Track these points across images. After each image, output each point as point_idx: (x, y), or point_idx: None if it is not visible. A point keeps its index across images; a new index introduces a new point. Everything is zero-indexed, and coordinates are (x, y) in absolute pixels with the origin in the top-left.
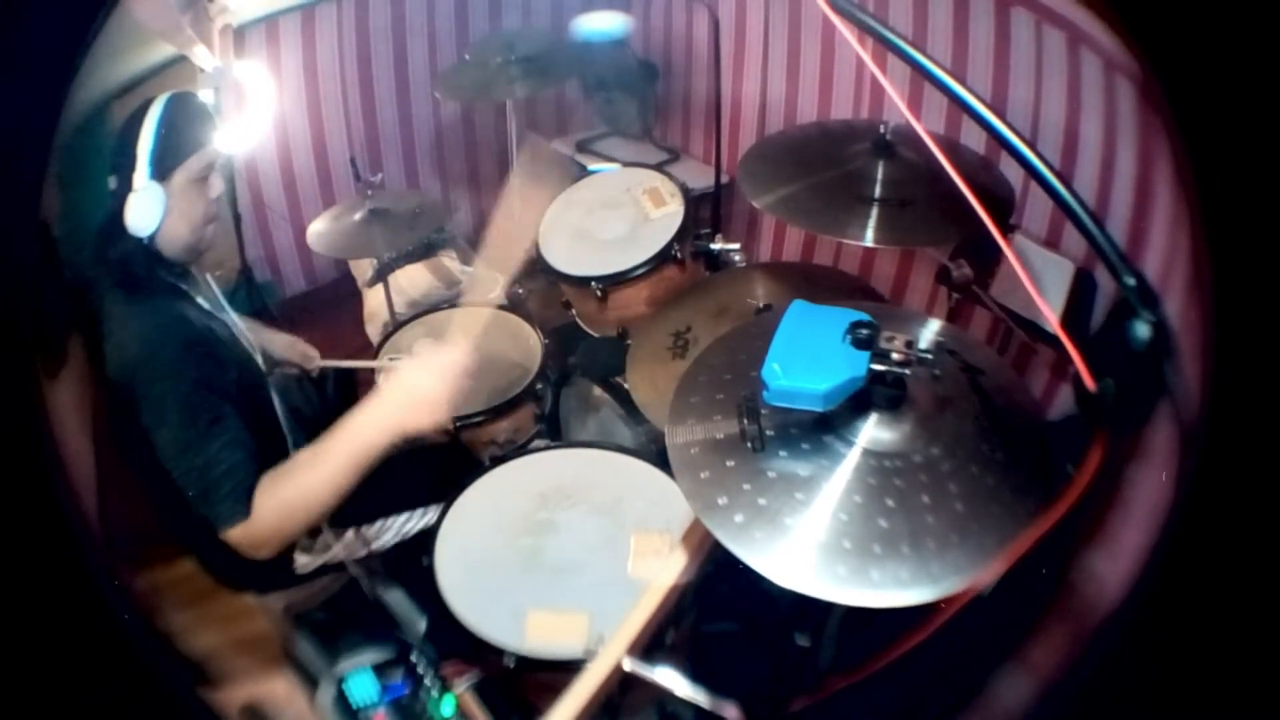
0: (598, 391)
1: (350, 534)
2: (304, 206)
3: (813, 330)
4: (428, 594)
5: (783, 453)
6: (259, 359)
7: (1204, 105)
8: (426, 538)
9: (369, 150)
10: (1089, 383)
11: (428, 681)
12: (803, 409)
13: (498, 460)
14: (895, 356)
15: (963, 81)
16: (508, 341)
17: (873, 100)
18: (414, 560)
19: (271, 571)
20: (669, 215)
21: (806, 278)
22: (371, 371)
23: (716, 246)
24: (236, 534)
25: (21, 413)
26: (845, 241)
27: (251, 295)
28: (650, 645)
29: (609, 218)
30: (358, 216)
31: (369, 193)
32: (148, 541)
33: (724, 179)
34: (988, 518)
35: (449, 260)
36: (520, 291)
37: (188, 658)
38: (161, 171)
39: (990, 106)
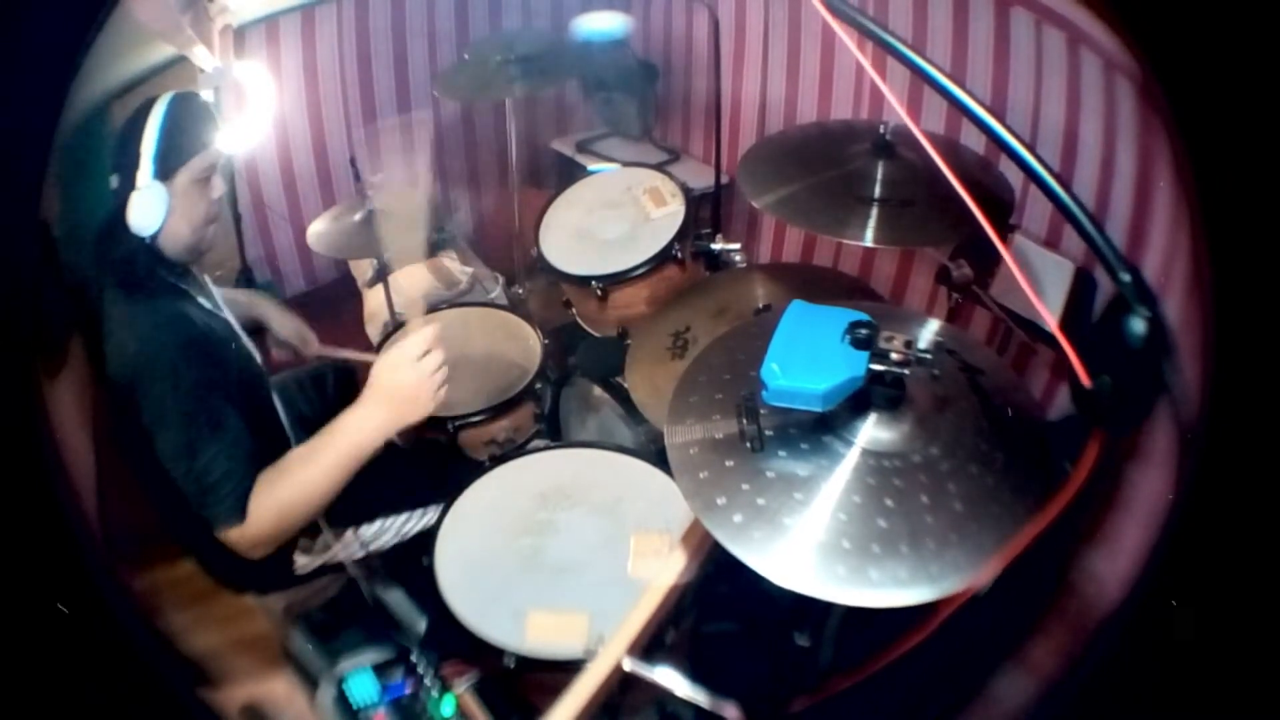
0: (598, 391)
1: (349, 534)
2: (304, 206)
3: (812, 330)
4: (428, 594)
5: (782, 453)
6: (258, 357)
7: (1204, 105)
8: (426, 538)
9: (369, 149)
10: (1085, 380)
11: (428, 681)
12: (802, 409)
13: (498, 460)
14: (894, 356)
15: (961, 83)
16: (508, 341)
17: (873, 100)
18: (414, 560)
19: (271, 572)
20: (670, 215)
21: (806, 278)
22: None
23: (717, 246)
24: (234, 535)
25: (21, 413)
26: (845, 241)
27: (245, 323)
28: (650, 645)
29: (609, 217)
30: (358, 216)
31: (369, 193)
32: (148, 541)
33: (724, 179)
34: (987, 517)
35: (449, 260)
36: (520, 291)
37: (188, 658)
38: (165, 171)
39: (989, 108)
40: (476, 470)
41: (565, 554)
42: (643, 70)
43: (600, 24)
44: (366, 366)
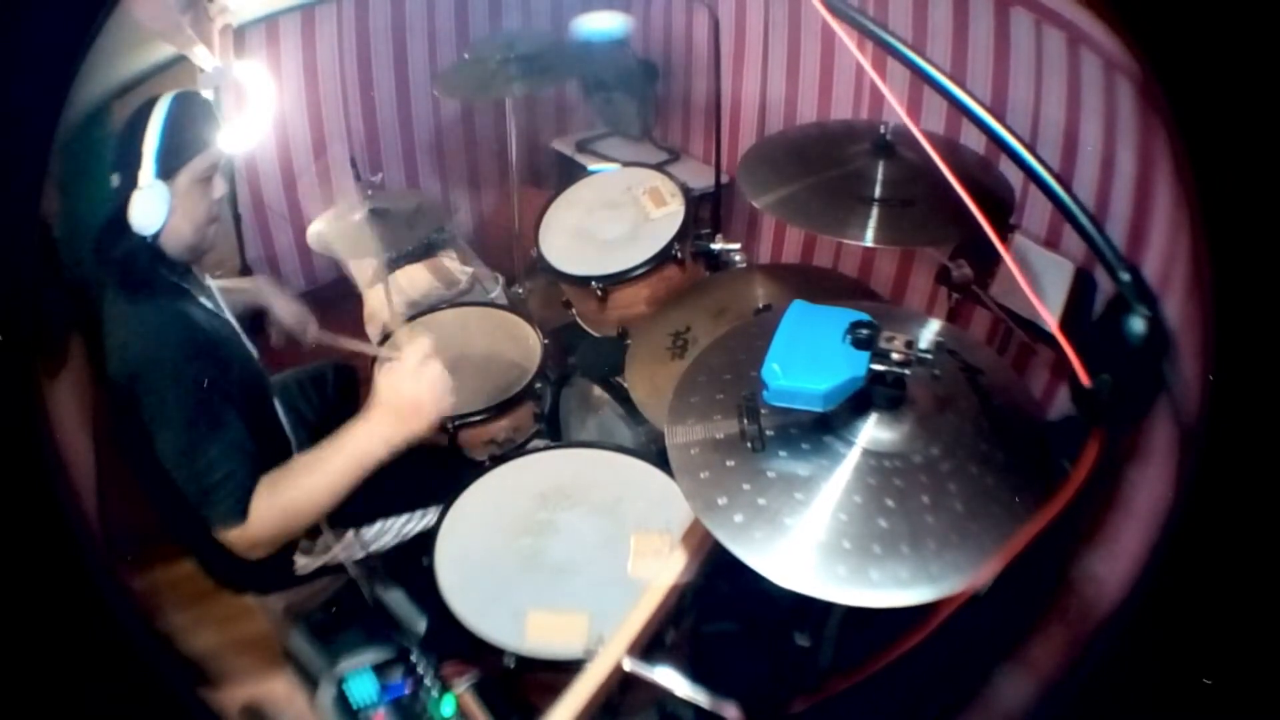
0: (598, 391)
1: (350, 535)
2: (304, 206)
3: (813, 330)
4: (428, 594)
5: (782, 453)
6: (258, 357)
7: (1204, 105)
8: (426, 538)
9: (369, 150)
10: (1084, 379)
11: (428, 681)
12: (802, 409)
13: (497, 460)
14: (895, 356)
15: (961, 83)
16: (508, 341)
17: (873, 100)
18: (414, 561)
19: (272, 572)
20: (670, 215)
21: (806, 278)
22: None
23: (717, 246)
24: (234, 535)
25: (21, 413)
26: (845, 242)
27: (246, 309)
28: (650, 645)
29: (609, 217)
30: (358, 216)
31: (369, 192)
32: (148, 541)
33: (724, 179)
34: (987, 518)
35: (449, 260)
36: (520, 291)
37: (188, 658)
38: (167, 170)
39: (989, 108)
40: (476, 470)
41: (565, 554)
42: (643, 70)
43: (600, 24)
44: (366, 366)
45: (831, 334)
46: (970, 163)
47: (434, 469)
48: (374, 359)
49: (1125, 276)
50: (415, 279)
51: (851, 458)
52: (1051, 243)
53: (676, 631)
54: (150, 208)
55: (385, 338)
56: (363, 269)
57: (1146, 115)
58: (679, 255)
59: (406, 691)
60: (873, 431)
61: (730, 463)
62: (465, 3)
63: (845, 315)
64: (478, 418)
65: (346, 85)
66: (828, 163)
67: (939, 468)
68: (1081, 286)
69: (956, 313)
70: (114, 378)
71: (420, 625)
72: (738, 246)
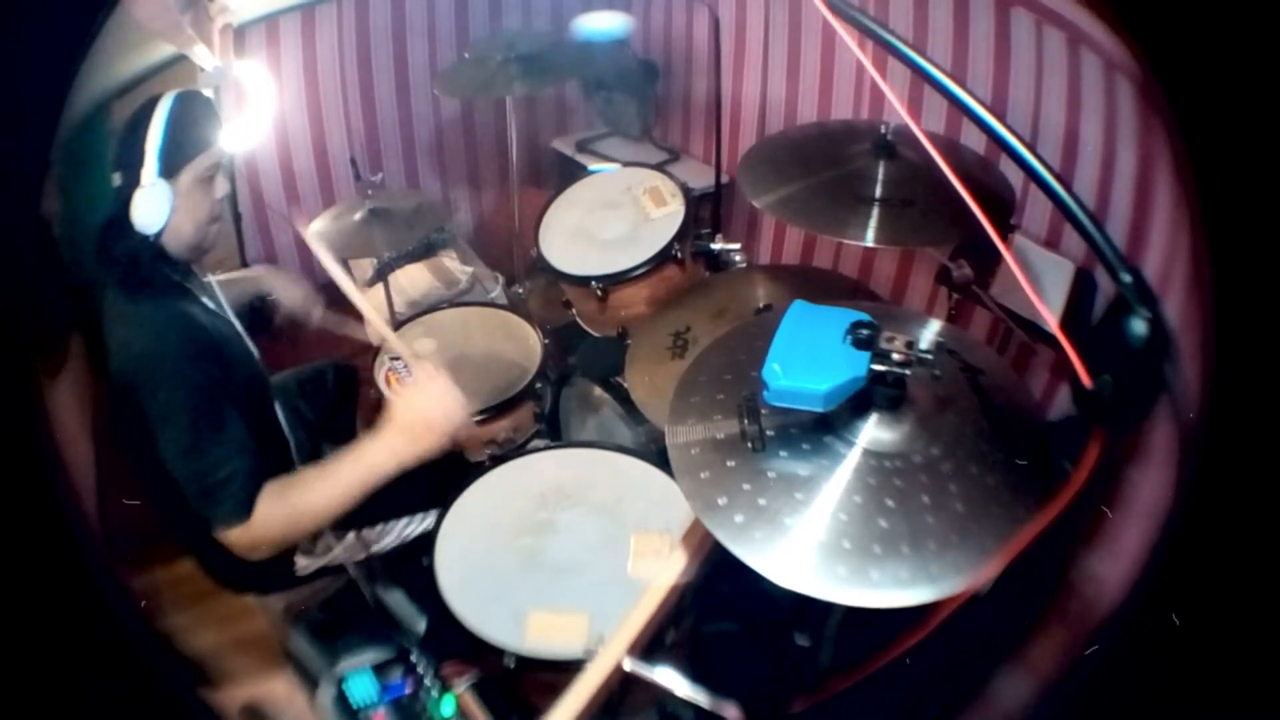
0: (598, 391)
1: (351, 537)
2: (304, 205)
3: (813, 330)
4: (428, 594)
5: (783, 453)
6: (258, 356)
7: (1204, 105)
8: (427, 539)
9: (369, 150)
10: (1085, 380)
11: (428, 681)
12: (803, 409)
13: (498, 460)
14: (896, 357)
15: (962, 82)
16: (508, 341)
17: (873, 100)
18: (414, 561)
19: (272, 573)
20: (670, 215)
21: (806, 278)
22: (371, 366)
23: (717, 246)
24: (235, 535)
25: (21, 413)
26: (845, 242)
27: (250, 299)
28: (650, 645)
29: (609, 217)
30: (358, 216)
31: (369, 192)
32: (148, 541)
33: (724, 179)
34: (988, 518)
35: (449, 260)
36: (520, 291)
37: (188, 658)
38: (170, 169)
39: (989, 108)
40: (476, 470)
41: (565, 554)
42: (643, 70)
43: (601, 23)
44: (366, 365)
45: (832, 334)
46: (970, 163)
47: (435, 472)
48: (375, 356)
49: (1127, 278)
50: (415, 279)
51: (852, 458)
52: (1051, 243)
53: (676, 631)
54: (153, 206)
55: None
56: (363, 269)
57: (1146, 115)
58: (679, 255)
59: (406, 691)
60: (873, 432)
61: (731, 463)
62: (465, 2)
63: (846, 315)
64: (478, 418)
65: (346, 85)
66: (828, 163)
67: (939, 468)
68: (1081, 287)
69: (956, 313)
70: (115, 377)
71: (420, 625)
72: (738, 246)
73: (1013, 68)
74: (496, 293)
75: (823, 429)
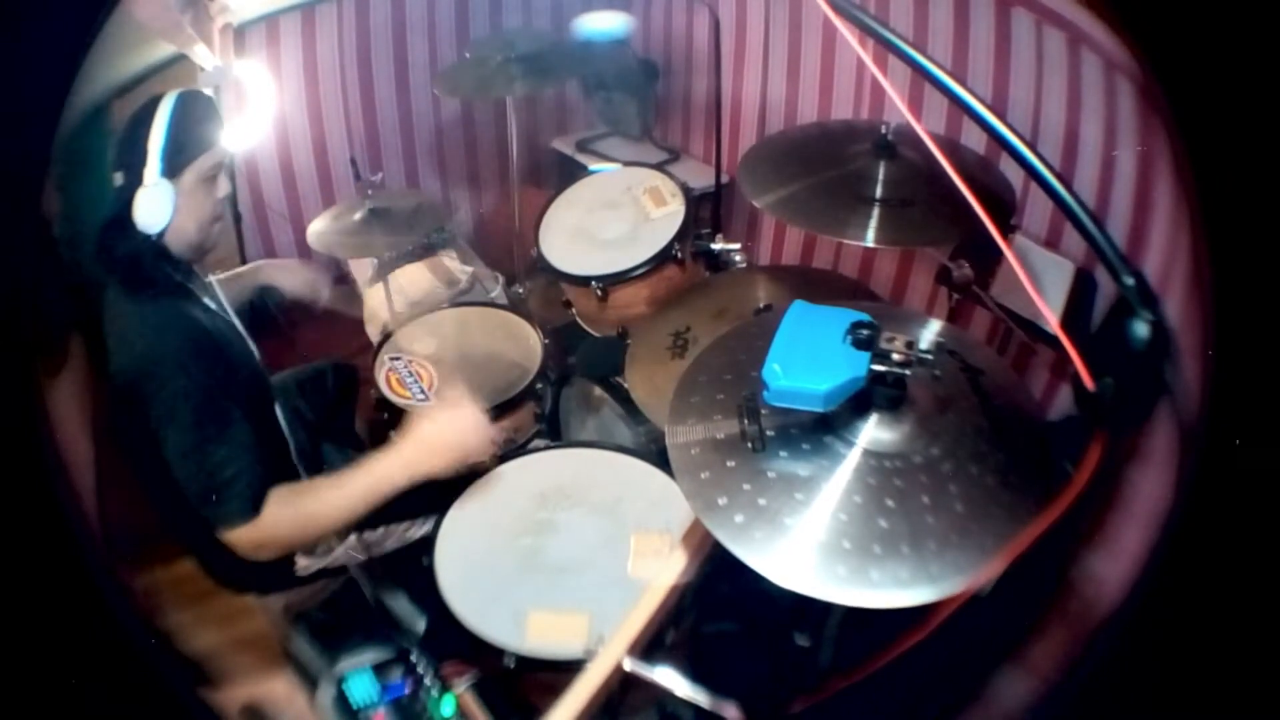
0: (598, 391)
1: (352, 538)
2: (304, 206)
3: (813, 330)
4: (428, 594)
5: (783, 453)
6: (259, 356)
7: (1204, 105)
8: (427, 540)
9: (369, 150)
10: (1088, 382)
11: (428, 681)
12: (803, 409)
13: (498, 460)
14: (896, 357)
15: (963, 82)
16: (508, 341)
17: (873, 100)
18: (414, 561)
19: (272, 573)
20: (670, 215)
21: (806, 278)
22: (371, 363)
23: (717, 246)
24: (241, 534)
25: (21, 413)
26: (845, 242)
27: (251, 294)
28: (650, 645)
29: (609, 217)
30: (358, 216)
31: (369, 192)
32: (148, 541)
33: (724, 179)
34: (987, 518)
35: (449, 260)
36: (520, 291)
37: (188, 658)
38: (172, 168)
39: (990, 107)
40: (476, 470)
41: (565, 554)
42: (643, 70)
43: (601, 23)
44: (366, 365)
45: (832, 334)
46: (971, 163)
47: (439, 479)
48: (375, 356)
49: (1129, 281)
50: (415, 278)
51: (852, 458)
52: (1051, 243)
53: (676, 631)
54: (155, 206)
55: (386, 337)
56: (363, 268)
57: (1146, 115)
58: (679, 255)
59: (406, 691)
60: (873, 432)
61: (731, 463)
62: (465, 2)
63: (846, 315)
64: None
65: (346, 85)
66: (828, 163)
67: (939, 468)
68: (1081, 287)
69: (956, 313)
70: (117, 377)
71: (420, 625)
72: (738, 246)
73: (1013, 68)
74: (496, 293)
75: (823, 429)
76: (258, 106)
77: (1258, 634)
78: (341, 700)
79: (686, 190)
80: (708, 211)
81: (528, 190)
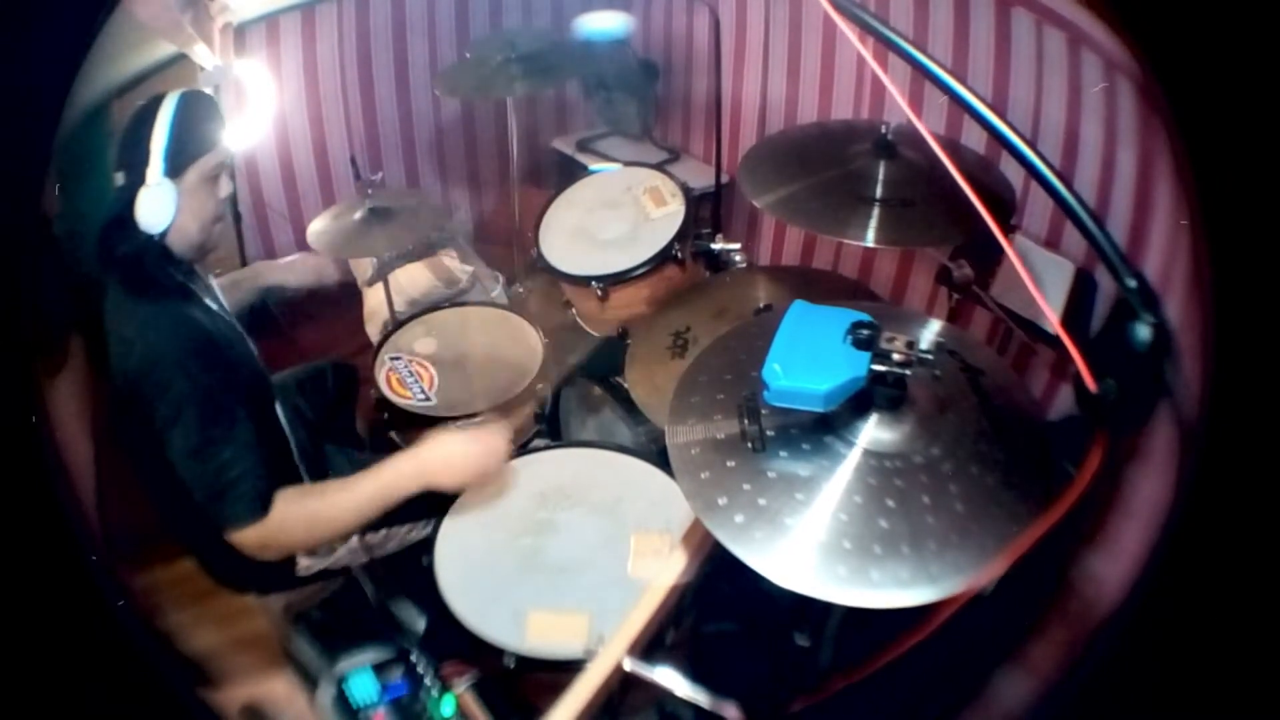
0: (598, 391)
1: (354, 540)
2: (304, 205)
3: (813, 330)
4: (428, 594)
5: (783, 453)
6: (259, 356)
7: (1204, 105)
8: (426, 540)
9: (369, 149)
10: (1090, 384)
11: (428, 681)
12: (803, 409)
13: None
14: (896, 357)
15: (963, 81)
16: (508, 341)
17: (873, 100)
18: (414, 561)
19: (272, 573)
20: (670, 215)
21: (806, 278)
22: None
23: (717, 246)
24: (249, 534)
25: (21, 413)
26: (845, 242)
27: (253, 298)
28: (650, 645)
29: (609, 217)
30: (358, 215)
31: (369, 192)
32: (148, 541)
33: (724, 179)
34: (988, 518)
35: (449, 259)
36: (520, 291)
37: (188, 658)
38: (175, 168)
39: (991, 106)
40: None
41: (565, 554)
42: (643, 69)
43: (601, 23)
44: (366, 365)
45: (832, 334)
46: (971, 162)
47: None
48: (375, 356)
49: (1131, 283)
50: (415, 278)
51: (852, 458)
52: (1052, 243)
53: (676, 631)
54: (158, 206)
55: (386, 337)
56: (362, 268)
57: (1146, 115)
58: (679, 255)
59: (406, 691)
60: (873, 432)
61: (731, 463)
62: (466, 2)
63: (846, 315)
64: (478, 418)
65: (346, 84)
66: (828, 163)
67: (939, 468)
68: (1081, 287)
69: (957, 313)
70: (119, 378)
71: (420, 625)
72: (738, 246)
73: (1013, 68)
74: (497, 292)
75: (823, 429)
76: (258, 106)
77: (1257, 634)
78: (341, 700)
79: (686, 190)
80: (708, 211)
81: (528, 190)
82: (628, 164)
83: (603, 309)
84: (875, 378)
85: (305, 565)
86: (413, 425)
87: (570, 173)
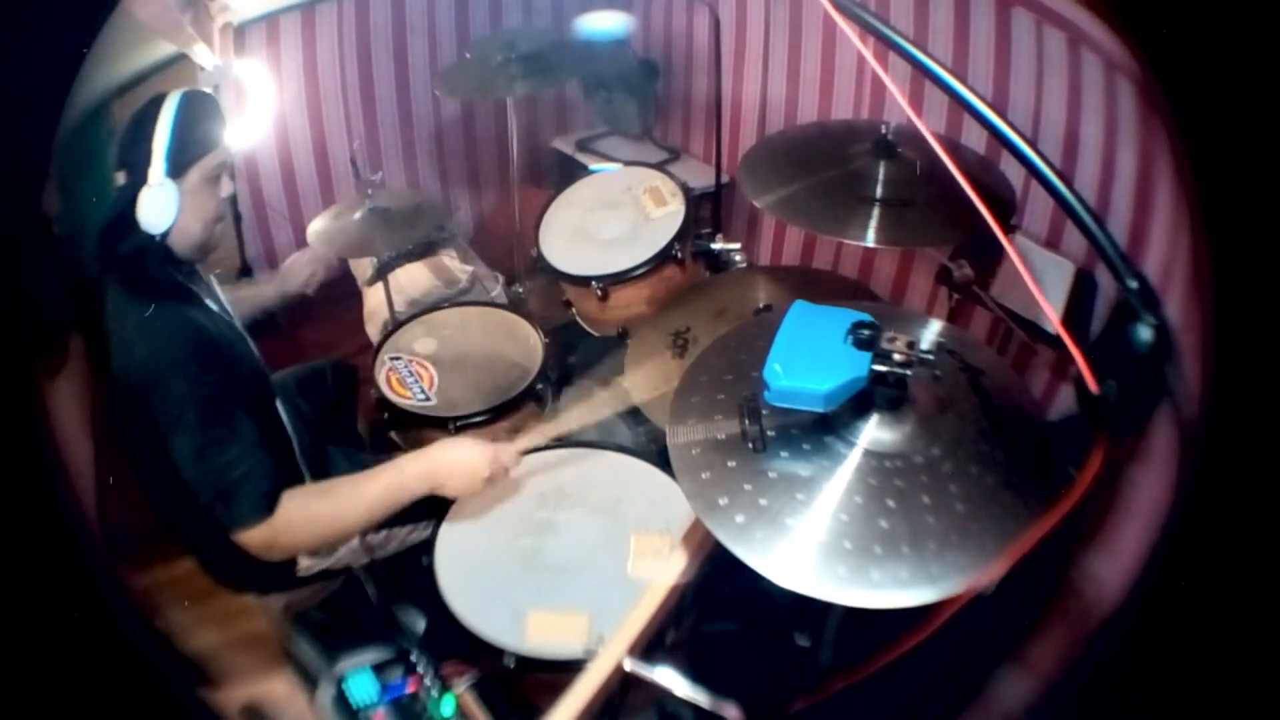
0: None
1: (355, 540)
2: (304, 205)
3: (814, 330)
4: (427, 594)
5: (784, 453)
6: (260, 356)
7: (1204, 105)
8: (426, 540)
9: (369, 149)
10: (1092, 385)
11: (428, 681)
12: (804, 409)
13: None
14: (897, 357)
15: (963, 81)
16: (508, 341)
17: (873, 100)
18: (414, 561)
19: (272, 573)
20: (670, 215)
21: (806, 278)
22: (371, 363)
23: (717, 246)
24: (254, 534)
25: (21, 413)
26: (845, 242)
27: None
28: (650, 645)
29: (610, 217)
30: (358, 215)
31: (369, 191)
32: (148, 541)
33: (724, 179)
34: (988, 518)
35: (449, 259)
36: (520, 291)
37: (188, 658)
38: (177, 168)
39: (991, 106)
40: None
41: (565, 554)
42: (643, 69)
43: (601, 23)
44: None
45: (833, 334)
46: (971, 162)
47: None
48: (375, 356)
49: (1133, 284)
50: (415, 278)
51: (853, 458)
52: (1052, 243)
53: (676, 631)
54: (160, 206)
55: (386, 337)
56: (362, 267)
57: (1146, 115)
58: (679, 255)
59: (406, 691)
60: (874, 432)
61: (731, 463)
62: (466, 2)
63: (847, 316)
64: (478, 418)
65: (346, 84)
66: (828, 163)
67: (940, 468)
68: (1082, 287)
69: (957, 313)
70: (120, 379)
71: (420, 625)
72: (738, 246)
73: (1013, 68)
74: (497, 292)
75: (824, 429)
76: (258, 106)
77: (1257, 634)
78: (341, 700)
79: (686, 190)
80: (708, 211)
81: (528, 190)
82: (628, 164)
83: (603, 309)
84: (876, 378)
85: (305, 565)
86: (413, 425)
87: (570, 173)
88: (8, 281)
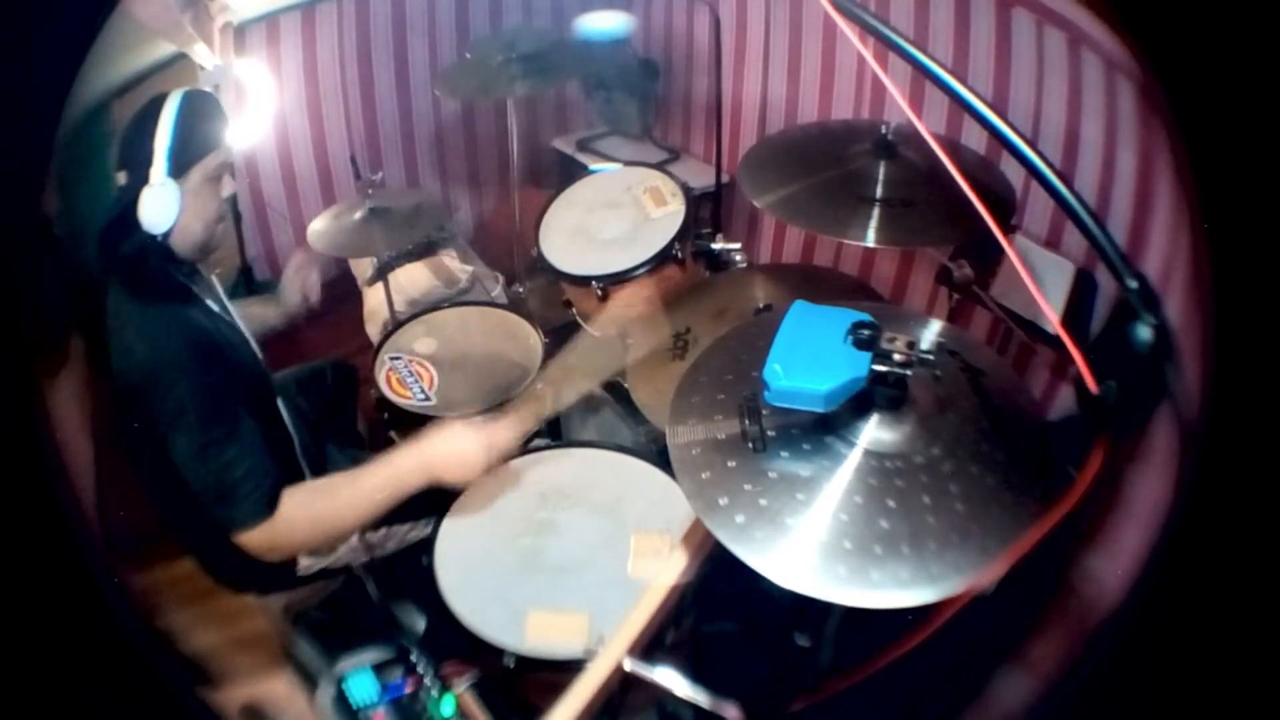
0: (598, 391)
1: (355, 539)
2: (304, 205)
3: (814, 331)
4: (427, 594)
5: (784, 453)
6: (261, 356)
7: (1204, 105)
8: (426, 540)
9: (369, 149)
10: (1092, 385)
11: (428, 681)
12: (804, 409)
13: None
14: (897, 357)
15: (963, 81)
16: (508, 341)
17: (874, 100)
18: (414, 561)
19: (272, 573)
20: (670, 215)
21: (806, 278)
22: (371, 363)
23: (717, 246)
24: (256, 534)
25: (21, 413)
26: (846, 242)
27: (251, 294)
28: (650, 645)
29: (610, 217)
30: (358, 215)
31: (369, 191)
32: (148, 541)
33: (724, 179)
34: (988, 518)
35: (449, 259)
36: (520, 291)
37: (188, 658)
38: (179, 168)
39: (991, 106)
40: None
41: (565, 554)
42: (643, 69)
43: (601, 23)
44: (366, 364)
45: (833, 334)
46: (971, 163)
47: None
48: (375, 356)
49: (1133, 284)
50: (415, 278)
51: (853, 458)
52: (1052, 244)
53: (676, 631)
54: (161, 206)
55: (386, 336)
56: (362, 267)
57: (1146, 115)
58: (679, 255)
59: (406, 691)
60: (874, 432)
61: (732, 463)
62: (466, 2)
63: (847, 316)
64: (479, 418)
65: (347, 84)
66: (829, 163)
67: (940, 468)
68: (1082, 287)
69: (957, 313)
70: (121, 379)
71: (420, 625)
72: (738, 246)
73: (1013, 68)
74: (497, 292)
75: (824, 429)
76: (258, 106)
77: (1257, 634)
78: (341, 700)
79: (687, 190)
80: (708, 211)
81: (528, 190)
82: (628, 164)
83: (603, 309)
84: (876, 378)
85: (305, 565)
86: (413, 425)
87: (570, 172)
88: (8, 281)
